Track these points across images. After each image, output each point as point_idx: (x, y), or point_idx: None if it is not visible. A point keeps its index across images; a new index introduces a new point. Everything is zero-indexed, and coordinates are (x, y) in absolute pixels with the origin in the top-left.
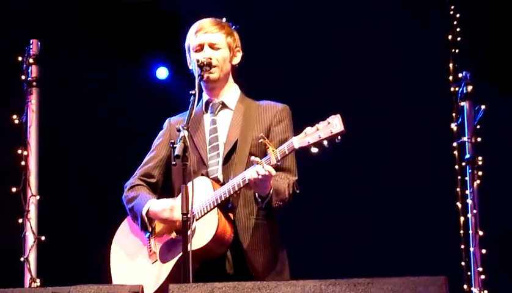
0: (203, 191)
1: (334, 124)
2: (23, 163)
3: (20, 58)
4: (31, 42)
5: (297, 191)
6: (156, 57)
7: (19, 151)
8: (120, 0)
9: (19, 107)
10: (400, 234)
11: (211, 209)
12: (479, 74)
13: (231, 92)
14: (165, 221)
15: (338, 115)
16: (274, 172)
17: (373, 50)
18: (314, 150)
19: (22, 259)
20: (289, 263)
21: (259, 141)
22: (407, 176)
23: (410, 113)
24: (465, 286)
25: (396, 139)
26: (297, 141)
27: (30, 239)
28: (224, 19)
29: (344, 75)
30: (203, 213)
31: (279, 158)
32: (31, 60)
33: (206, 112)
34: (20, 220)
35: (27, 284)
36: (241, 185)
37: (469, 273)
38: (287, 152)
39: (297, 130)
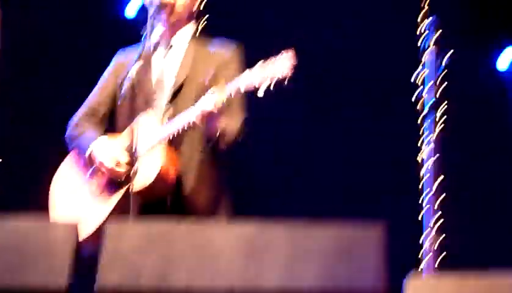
0: (148, 129)
1: (284, 60)
2: None
3: None
4: None
5: (245, 131)
6: None
7: None
8: None
9: None
10: (358, 178)
11: (156, 146)
12: (449, 20)
13: (183, 33)
14: (108, 170)
15: (290, 52)
16: (215, 110)
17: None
18: (262, 90)
19: None
20: (233, 207)
21: (207, 79)
22: (370, 130)
23: (373, 60)
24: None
25: (358, 86)
26: (244, 82)
27: None
28: None
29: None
30: (147, 151)
31: (226, 96)
32: None
33: (155, 51)
34: None
35: None
36: (189, 123)
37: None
38: (234, 91)
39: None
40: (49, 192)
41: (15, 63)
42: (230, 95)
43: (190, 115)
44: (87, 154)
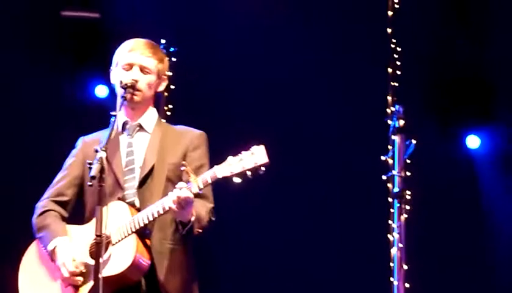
0: (119, 216)
1: (258, 155)
2: None
3: None
4: None
5: (213, 219)
6: (96, 74)
7: None
8: (61, 14)
9: None
10: (332, 264)
11: (129, 235)
12: (418, 108)
13: (149, 115)
14: (64, 277)
15: (262, 146)
16: (192, 199)
17: (309, 80)
18: (236, 180)
19: None
20: (200, 290)
21: (182, 168)
22: (340, 205)
23: (346, 142)
24: None
25: (330, 165)
26: (221, 171)
27: None
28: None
29: (274, 101)
30: (120, 239)
31: (201, 186)
32: None
33: (123, 132)
34: None
35: None
36: (161, 213)
37: None
38: (210, 182)
39: (216, 157)
40: (18, 278)
41: None
42: (207, 182)
43: (166, 201)
44: (49, 250)
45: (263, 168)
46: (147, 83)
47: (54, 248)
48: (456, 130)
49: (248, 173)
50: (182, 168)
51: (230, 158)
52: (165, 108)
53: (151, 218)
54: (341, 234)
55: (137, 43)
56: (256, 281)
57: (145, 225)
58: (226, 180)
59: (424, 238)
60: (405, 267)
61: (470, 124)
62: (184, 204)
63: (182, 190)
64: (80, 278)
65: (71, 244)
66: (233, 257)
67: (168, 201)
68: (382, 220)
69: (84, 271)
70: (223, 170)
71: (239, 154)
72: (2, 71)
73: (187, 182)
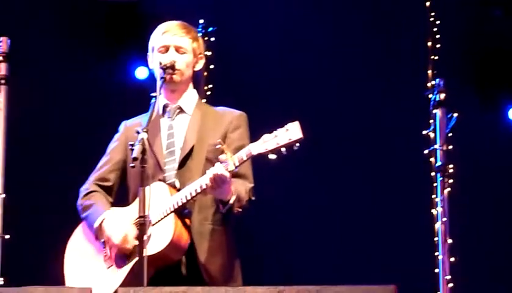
0: (160, 197)
1: (292, 131)
2: None
3: None
4: (0, 40)
5: (253, 199)
6: (135, 57)
7: None
8: None
9: None
10: (376, 240)
11: (168, 215)
12: (458, 81)
13: (189, 97)
14: (115, 246)
15: (297, 122)
16: (228, 178)
17: (345, 56)
18: (272, 157)
19: None
20: (243, 270)
21: (217, 146)
22: (381, 182)
23: (386, 117)
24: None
25: (371, 143)
26: (256, 148)
27: None
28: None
29: (314, 79)
30: (159, 219)
31: (237, 164)
32: (0, 58)
33: (163, 115)
34: None
35: None
36: (198, 191)
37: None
38: (245, 159)
39: (254, 137)
40: (64, 261)
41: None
42: (242, 159)
43: (203, 180)
44: (95, 227)
45: (297, 144)
46: (185, 62)
47: (101, 223)
48: (497, 103)
49: (283, 149)
50: (218, 146)
51: (265, 135)
52: (205, 88)
53: (189, 197)
54: (384, 209)
55: (169, 25)
56: (297, 260)
57: (184, 204)
58: (262, 157)
59: (468, 212)
60: (449, 240)
61: (511, 96)
62: (220, 181)
63: (218, 167)
64: (130, 246)
65: (118, 218)
66: (274, 236)
67: (205, 180)
68: (425, 194)
69: (129, 248)
70: (258, 147)
71: (274, 131)
72: (42, 56)
73: (224, 160)
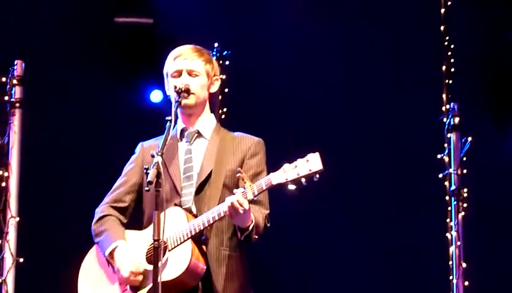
0: (176, 222)
1: (313, 162)
2: (3, 184)
3: (4, 79)
4: (15, 63)
5: (268, 225)
6: (150, 80)
7: (0, 172)
8: (114, 21)
9: (1, 128)
10: (389, 263)
11: (185, 241)
12: (473, 106)
13: (207, 121)
14: (124, 277)
15: (317, 153)
16: (247, 206)
17: (359, 81)
18: (291, 187)
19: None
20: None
21: (238, 175)
22: (397, 205)
23: (402, 141)
24: None
25: (387, 166)
26: (276, 178)
27: (8, 261)
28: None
29: (329, 103)
30: (176, 244)
31: (256, 193)
32: (15, 81)
33: (181, 139)
34: None
35: None
36: (217, 218)
37: None
38: (264, 188)
39: (272, 162)
40: (78, 283)
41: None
42: (262, 189)
43: (222, 207)
44: (106, 254)
45: (317, 175)
46: (199, 85)
47: (113, 251)
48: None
49: (303, 179)
50: (238, 175)
51: (285, 165)
52: (220, 111)
53: (207, 224)
54: (398, 233)
55: (181, 50)
56: (310, 286)
57: (201, 231)
58: (281, 187)
59: (482, 236)
60: (463, 264)
61: None
62: (239, 210)
63: (237, 196)
64: (139, 279)
65: (129, 247)
66: (286, 262)
67: (223, 207)
68: (440, 218)
69: (141, 273)
70: (278, 177)
71: (295, 161)
72: (59, 78)
73: (243, 188)
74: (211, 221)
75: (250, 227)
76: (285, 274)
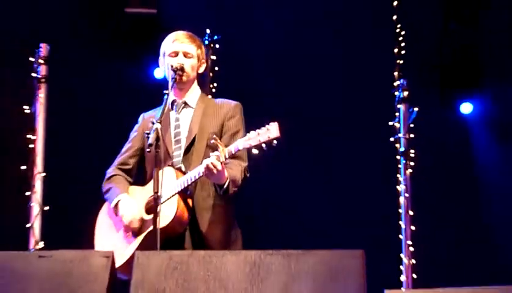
0: (168, 180)
1: (272, 130)
2: (31, 145)
3: (32, 59)
4: (41, 45)
5: (248, 175)
6: (154, 60)
7: (29, 136)
8: (125, 11)
9: (30, 99)
10: (350, 212)
11: (173, 196)
12: (420, 81)
13: (193, 93)
14: (125, 225)
15: (276, 123)
16: (220, 167)
17: (326, 60)
18: (255, 151)
19: (28, 225)
20: (243, 237)
21: (211, 142)
22: (356, 164)
23: (360, 112)
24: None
25: (348, 133)
26: (242, 144)
27: (35, 209)
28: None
29: (302, 82)
30: (167, 198)
31: (227, 156)
32: (40, 61)
33: (172, 109)
34: (27, 193)
35: (31, 247)
36: (197, 177)
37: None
38: (233, 152)
39: (250, 126)
40: (94, 231)
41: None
42: (231, 153)
43: (200, 168)
44: (112, 207)
45: (275, 142)
46: (191, 66)
47: (117, 203)
48: (451, 100)
49: (264, 145)
50: (212, 142)
51: (250, 132)
52: (211, 86)
53: (189, 182)
54: (358, 186)
55: (178, 34)
56: (284, 229)
57: (186, 187)
58: (250, 149)
59: (426, 188)
60: (410, 212)
61: (463, 94)
62: (213, 170)
63: (211, 159)
64: (138, 225)
65: (131, 200)
66: (268, 207)
67: (201, 169)
68: (392, 174)
69: (139, 221)
70: (243, 143)
71: (257, 130)
72: (78, 58)
73: (217, 152)
74: (193, 180)
75: (226, 184)
76: (266, 219)
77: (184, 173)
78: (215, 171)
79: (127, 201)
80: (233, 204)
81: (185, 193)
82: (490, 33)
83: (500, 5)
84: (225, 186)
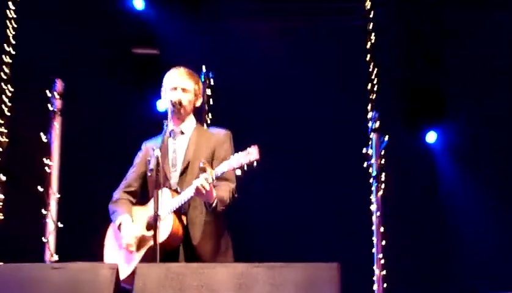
0: (164, 199)
1: (252, 153)
2: (48, 169)
3: (48, 93)
4: (56, 81)
5: (236, 196)
6: (156, 94)
7: (45, 160)
8: (132, 51)
9: (46, 129)
10: (327, 229)
11: (169, 214)
12: (390, 113)
13: (189, 123)
14: (126, 243)
15: (256, 146)
16: (208, 187)
17: (309, 95)
18: (238, 172)
19: (44, 240)
20: (234, 250)
21: (201, 165)
22: (333, 187)
23: (338, 140)
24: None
25: (326, 159)
26: (226, 166)
27: (50, 225)
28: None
29: (286, 112)
30: (164, 216)
31: (214, 178)
32: (56, 95)
33: (170, 136)
34: (44, 211)
35: (47, 259)
36: (189, 198)
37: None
38: (219, 175)
39: (238, 149)
40: (103, 247)
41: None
42: (217, 174)
43: (191, 190)
44: (116, 228)
45: (255, 163)
46: (188, 100)
47: (120, 224)
48: (417, 130)
49: (245, 166)
50: (201, 165)
51: (234, 155)
52: (206, 117)
53: (182, 202)
54: (334, 206)
55: (179, 71)
56: (272, 240)
57: (180, 207)
58: (234, 170)
59: (396, 208)
60: (381, 229)
61: (428, 124)
62: (202, 191)
63: (200, 180)
64: (136, 242)
65: (131, 221)
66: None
67: (191, 190)
68: (365, 195)
69: (139, 238)
70: (227, 165)
71: (240, 152)
72: (89, 92)
73: (206, 174)
74: (186, 200)
75: (214, 203)
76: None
77: (179, 193)
78: (204, 191)
79: (128, 223)
80: (223, 218)
81: (179, 211)
82: (452, 68)
83: (459, 43)
84: (214, 204)
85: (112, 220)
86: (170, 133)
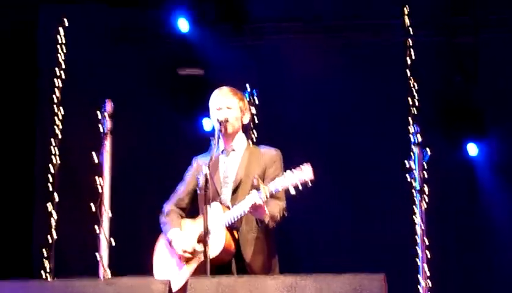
0: (215, 213)
1: (306, 172)
2: (100, 189)
3: (99, 114)
4: (106, 102)
5: (286, 215)
6: (202, 112)
7: (97, 180)
8: (178, 72)
9: (98, 149)
10: (373, 240)
11: (221, 229)
12: (432, 127)
13: (239, 140)
14: (178, 254)
15: (309, 165)
16: (261, 203)
17: (352, 110)
18: (292, 191)
19: (97, 255)
20: (280, 264)
21: (255, 182)
22: (378, 200)
23: (383, 154)
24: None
25: (373, 173)
26: (280, 184)
27: (103, 242)
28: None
29: (330, 128)
30: (216, 232)
31: (268, 195)
32: (106, 116)
33: (222, 154)
34: (97, 229)
35: (100, 274)
36: (242, 214)
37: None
38: (273, 192)
39: (287, 167)
40: (153, 261)
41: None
42: (271, 192)
43: (245, 206)
44: (168, 240)
45: (309, 183)
46: (234, 117)
47: (171, 237)
48: (458, 142)
49: (300, 186)
50: (255, 182)
51: (286, 173)
52: (252, 134)
53: (235, 219)
54: (380, 219)
55: (222, 90)
56: (317, 253)
57: (233, 223)
58: (288, 189)
59: (439, 220)
60: (426, 240)
61: (469, 138)
62: (256, 206)
63: (254, 197)
64: (189, 256)
65: (183, 234)
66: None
67: (245, 205)
68: (409, 207)
69: (190, 251)
70: (282, 183)
71: (293, 171)
72: (138, 114)
73: (259, 191)
74: (238, 216)
75: (266, 220)
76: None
77: (229, 208)
78: (257, 208)
79: (178, 235)
80: (273, 236)
81: (232, 227)
82: (488, 86)
83: (495, 60)
84: (266, 221)
85: (162, 231)
86: (222, 151)
